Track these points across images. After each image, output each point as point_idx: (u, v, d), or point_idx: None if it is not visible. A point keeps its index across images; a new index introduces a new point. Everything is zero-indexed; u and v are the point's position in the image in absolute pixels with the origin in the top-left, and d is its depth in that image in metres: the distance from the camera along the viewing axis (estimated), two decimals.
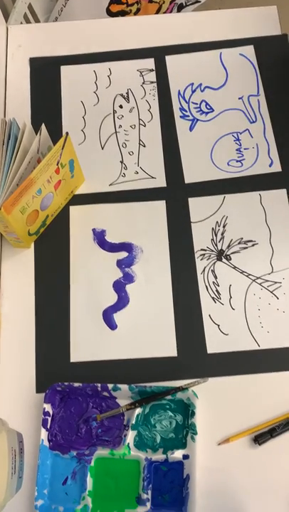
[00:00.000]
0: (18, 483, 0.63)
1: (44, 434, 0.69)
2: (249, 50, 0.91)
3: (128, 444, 0.68)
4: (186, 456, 0.67)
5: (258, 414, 0.70)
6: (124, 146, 0.86)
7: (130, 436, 0.69)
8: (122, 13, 1.10)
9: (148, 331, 0.75)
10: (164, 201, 0.82)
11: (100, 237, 0.80)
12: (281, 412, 0.70)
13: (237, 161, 0.84)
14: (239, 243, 0.79)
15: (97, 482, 0.67)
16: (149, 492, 0.66)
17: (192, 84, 0.89)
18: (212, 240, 0.79)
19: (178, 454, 0.68)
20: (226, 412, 0.70)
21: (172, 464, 0.68)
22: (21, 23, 0.99)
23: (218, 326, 0.75)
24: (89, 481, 0.67)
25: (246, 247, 0.79)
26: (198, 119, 0.87)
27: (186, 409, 0.70)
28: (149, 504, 0.66)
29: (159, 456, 0.68)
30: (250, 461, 0.68)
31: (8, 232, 0.74)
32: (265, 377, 0.72)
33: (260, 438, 0.68)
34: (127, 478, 0.67)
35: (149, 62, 0.91)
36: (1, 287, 0.78)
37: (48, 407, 0.70)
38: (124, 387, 0.69)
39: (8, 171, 0.68)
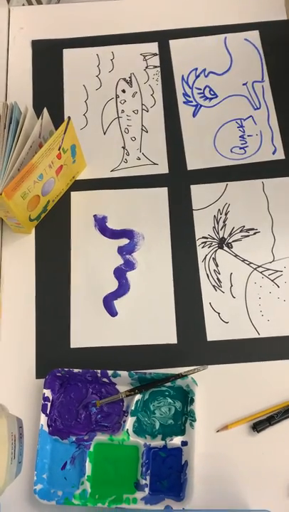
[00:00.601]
0: (17, 468, 0.63)
1: (44, 419, 0.69)
2: (254, 35, 0.90)
3: (127, 430, 0.69)
4: (184, 443, 0.68)
5: (256, 402, 0.71)
6: (126, 131, 0.85)
7: (129, 422, 0.69)
8: None
9: (148, 318, 0.75)
10: (166, 188, 0.81)
11: (101, 224, 0.80)
12: (280, 400, 0.70)
13: (240, 148, 0.83)
14: (241, 231, 0.79)
15: (96, 467, 0.68)
16: (148, 478, 0.67)
17: (196, 69, 0.88)
18: (214, 227, 0.79)
19: (176, 441, 0.68)
20: (225, 400, 0.71)
21: (171, 450, 0.68)
22: (23, 4, 0.97)
23: (219, 313, 0.75)
24: (88, 466, 0.67)
25: (248, 235, 0.79)
26: (201, 105, 0.86)
27: (186, 396, 0.70)
28: (147, 490, 0.66)
29: (157, 443, 0.68)
30: (249, 448, 0.69)
31: (9, 218, 0.73)
32: (265, 365, 0.72)
33: (259, 425, 0.68)
34: (126, 464, 0.68)
35: (153, 46, 0.90)
36: (1, 273, 0.78)
37: (47, 393, 0.70)
38: (123, 373, 0.69)
39: (9, 156, 0.68)
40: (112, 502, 0.65)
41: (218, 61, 0.89)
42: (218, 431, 0.69)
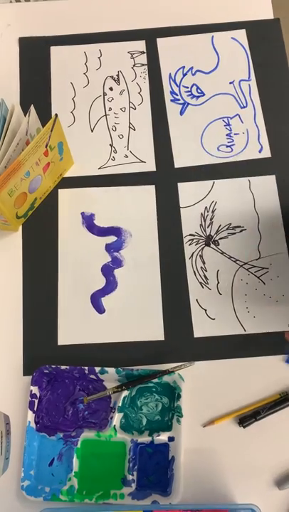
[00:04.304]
0: (4, 464, 0.64)
1: (31, 416, 0.69)
2: (241, 34, 0.91)
3: (114, 426, 0.69)
4: (171, 439, 0.68)
5: (242, 398, 0.71)
6: (114, 129, 0.85)
7: (116, 418, 0.69)
8: None
9: (136, 315, 0.75)
10: (154, 186, 0.82)
11: (88, 221, 0.80)
12: (265, 395, 0.71)
13: (227, 146, 0.84)
14: (227, 229, 0.79)
15: (84, 463, 0.68)
16: (135, 473, 0.67)
17: (183, 67, 0.89)
18: (201, 225, 0.80)
19: (163, 436, 0.68)
20: (212, 395, 0.71)
21: (158, 446, 0.68)
22: (11, 1, 0.97)
23: (206, 310, 0.75)
24: (75, 462, 0.68)
25: (234, 233, 0.79)
26: (188, 103, 0.87)
27: (172, 392, 0.70)
28: (134, 485, 0.67)
29: (144, 439, 0.68)
30: (235, 443, 0.69)
31: None
32: (251, 361, 0.73)
33: (245, 421, 0.69)
34: (113, 460, 0.68)
35: (140, 44, 0.90)
36: None
37: (35, 390, 0.70)
38: (111, 370, 0.70)
39: None
40: (99, 498, 0.66)
41: (205, 59, 0.89)
42: (204, 426, 0.70)
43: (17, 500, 0.67)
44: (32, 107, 0.69)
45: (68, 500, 0.66)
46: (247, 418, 0.69)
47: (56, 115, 0.69)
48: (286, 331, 0.74)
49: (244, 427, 0.69)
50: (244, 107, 0.86)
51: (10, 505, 0.67)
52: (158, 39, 0.90)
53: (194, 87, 0.88)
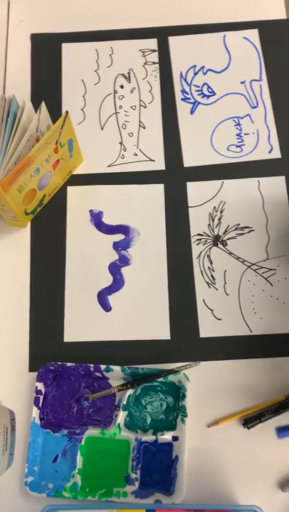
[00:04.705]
0: (9, 460, 0.64)
1: (36, 412, 0.69)
2: (253, 34, 0.90)
3: (119, 424, 0.69)
4: (175, 438, 0.68)
5: (247, 399, 0.71)
6: (123, 127, 0.85)
7: (121, 416, 0.69)
8: None
9: (142, 314, 0.75)
10: (162, 184, 0.81)
11: (96, 219, 0.80)
12: (270, 397, 0.71)
13: (237, 146, 0.84)
14: (236, 229, 0.79)
15: (87, 461, 0.68)
16: (138, 472, 0.67)
17: (194, 66, 0.89)
18: (209, 225, 0.79)
19: (167, 436, 0.68)
20: (217, 396, 0.71)
21: (161, 445, 0.68)
22: None
23: (212, 310, 0.75)
24: (79, 459, 0.68)
25: (243, 233, 0.79)
26: (199, 102, 0.86)
27: (177, 392, 0.70)
28: (137, 484, 0.67)
29: (148, 437, 0.68)
30: (239, 444, 0.69)
31: (4, 211, 0.73)
32: (256, 362, 0.73)
33: (249, 422, 0.69)
34: (117, 458, 0.68)
35: (152, 43, 0.90)
36: None
37: (40, 386, 0.70)
38: (116, 368, 0.70)
39: (6, 149, 0.68)
40: (102, 495, 0.66)
41: (216, 59, 0.89)
42: (209, 426, 0.70)
43: (20, 496, 0.67)
44: (43, 104, 0.69)
45: (71, 497, 0.66)
46: (251, 420, 0.69)
47: (67, 112, 0.69)
48: None
49: (248, 428, 0.69)
50: (255, 107, 0.86)
51: (13, 500, 0.67)
52: (170, 37, 0.90)
53: (205, 87, 0.87)
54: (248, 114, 0.86)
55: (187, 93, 0.87)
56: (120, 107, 0.86)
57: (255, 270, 0.77)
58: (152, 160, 0.83)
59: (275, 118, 0.85)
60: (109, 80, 0.88)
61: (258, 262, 0.77)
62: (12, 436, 0.65)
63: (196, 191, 0.81)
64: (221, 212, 0.80)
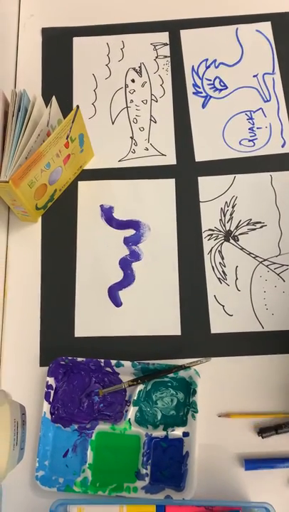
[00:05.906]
0: (19, 454, 0.64)
1: (46, 406, 0.69)
2: (266, 27, 0.89)
3: (129, 419, 0.69)
4: (186, 434, 0.68)
5: (258, 395, 0.71)
6: (134, 121, 0.85)
7: (131, 412, 0.69)
8: None
9: (153, 309, 0.75)
10: (174, 179, 0.81)
11: (107, 214, 0.80)
12: (281, 394, 0.70)
13: (249, 141, 0.83)
14: (248, 224, 0.79)
15: (98, 456, 0.68)
16: (149, 467, 0.67)
17: (206, 60, 0.88)
18: (220, 220, 0.79)
19: (178, 431, 0.68)
20: (227, 392, 0.71)
21: (172, 441, 0.68)
22: None
23: (223, 306, 0.75)
24: (89, 454, 0.68)
25: (254, 229, 0.78)
26: (211, 96, 0.86)
27: (188, 388, 0.70)
28: (148, 479, 0.67)
29: (159, 433, 0.68)
30: (250, 441, 0.69)
31: (16, 206, 0.73)
32: (268, 359, 0.72)
33: (265, 432, 0.68)
34: (127, 453, 0.68)
35: (164, 36, 0.89)
36: (7, 261, 0.78)
37: (51, 381, 0.70)
38: (127, 363, 0.70)
39: (17, 144, 0.68)
40: (112, 490, 0.66)
41: (229, 52, 0.88)
42: (220, 416, 0.69)
43: (31, 490, 0.68)
44: (54, 98, 0.69)
45: (82, 492, 0.66)
46: (267, 430, 0.67)
47: (78, 107, 0.69)
48: None
49: (263, 437, 0.68)
50: (267, 101, 0.85)
51: (24, 494, 0.68)
52: (181, 31, 0.89)
53: (217, 80, 0.87)
54: (261, 108, 0.85)
55: (199, 87, 0.86)
56: (131, 101, 0.86)
57: (267, 266, 0.76)
58: (163, 154, 0.83)
59: (288, 112, 0.84)
60: (121, 74, 0.88)
61: (270, 258, 0.77)
62: (23, 431, 0.65)
63: (208, 186, 0.80)
64: (233, 207, 0.79)
